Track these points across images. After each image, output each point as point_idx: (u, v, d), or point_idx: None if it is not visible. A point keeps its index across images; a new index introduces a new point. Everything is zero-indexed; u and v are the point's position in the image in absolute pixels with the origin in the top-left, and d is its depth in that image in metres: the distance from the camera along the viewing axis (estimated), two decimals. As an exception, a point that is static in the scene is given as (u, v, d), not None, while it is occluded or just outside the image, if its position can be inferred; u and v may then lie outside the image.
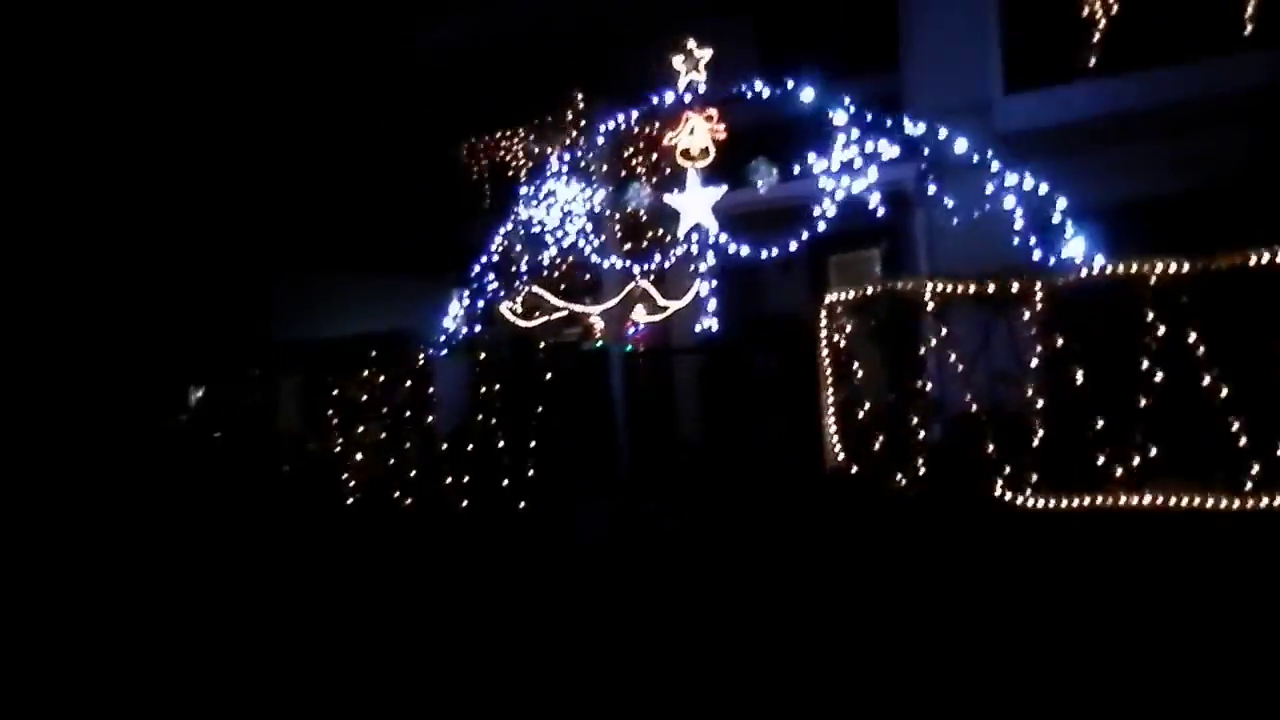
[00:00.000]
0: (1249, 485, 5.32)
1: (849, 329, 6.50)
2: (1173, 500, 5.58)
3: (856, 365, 6.46)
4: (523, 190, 9.11)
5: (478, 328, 9.15)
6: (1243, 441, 5.34)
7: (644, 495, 7.17)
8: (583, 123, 9.45)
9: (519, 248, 8.98)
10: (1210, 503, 5.45)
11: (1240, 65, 8.07)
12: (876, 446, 6.36)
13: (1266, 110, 8.01)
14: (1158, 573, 5.22)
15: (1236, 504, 5.38)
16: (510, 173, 13.35)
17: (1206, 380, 5.43)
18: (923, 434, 6.19)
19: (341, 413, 8.73)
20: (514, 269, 8.97)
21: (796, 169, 7.28)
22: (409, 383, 8.18)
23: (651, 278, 8.94)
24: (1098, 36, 8.84)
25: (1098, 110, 8.63)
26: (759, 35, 12.81)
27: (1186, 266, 5.49)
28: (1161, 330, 5.53)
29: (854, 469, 6.47)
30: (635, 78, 12.36)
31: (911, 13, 10.40)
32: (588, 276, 9.84)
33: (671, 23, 12.60)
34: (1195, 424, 5.48)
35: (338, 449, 8.71)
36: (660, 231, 8.85)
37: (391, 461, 8.25)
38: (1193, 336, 5.45)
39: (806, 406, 7.25)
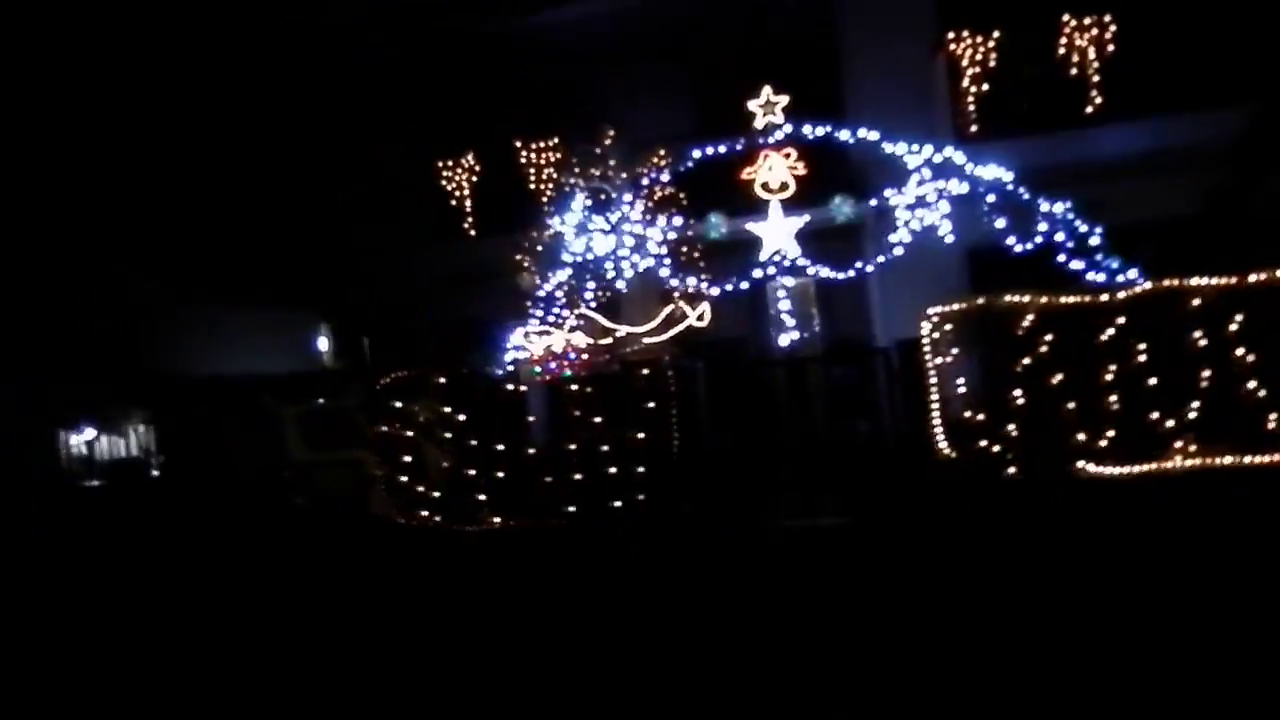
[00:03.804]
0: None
1: (949, 337, 7.70)
2: (1209, 460, 7.31)
3: (957, 368, 7.67)
4: (563, 218, 9.55)
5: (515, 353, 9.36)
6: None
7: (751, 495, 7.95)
8: (611, 158, 9.99)
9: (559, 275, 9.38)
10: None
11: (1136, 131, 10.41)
12: (977, 436, 7.61)
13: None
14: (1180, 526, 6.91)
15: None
16: (459, 201, 13.51)
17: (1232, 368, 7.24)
18: (1016, 423, 7.52)
19: (405, 438, 8.63)
20: (560, 295, 9.32)
21: (873, 201, 8.42)
22: (501, 404, 8.33)
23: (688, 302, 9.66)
24: (1029, 102, 10.89)
25: (1035, 162, 10.59)
26: (693, 81, 14.00)
27: (1223, 282, 7.27)
28: (1203, 335, 7.26)
29: (956, 456, 7.66)
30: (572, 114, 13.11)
31: (857, 69, 12.04)
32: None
33: (612, 65, 13.54)
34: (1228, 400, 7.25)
35: (404, 475, 8.60)
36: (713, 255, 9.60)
37: (479, 483, 8.34)
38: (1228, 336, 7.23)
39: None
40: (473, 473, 8.35)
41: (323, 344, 18.23)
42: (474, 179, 13.17)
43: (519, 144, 12.87)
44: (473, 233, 13.39)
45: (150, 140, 15.87)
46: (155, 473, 11.41)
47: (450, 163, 13.49)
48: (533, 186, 12.52)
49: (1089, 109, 10.44)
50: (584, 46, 13.33)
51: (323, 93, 14.39)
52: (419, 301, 14.56)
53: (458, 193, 13.62)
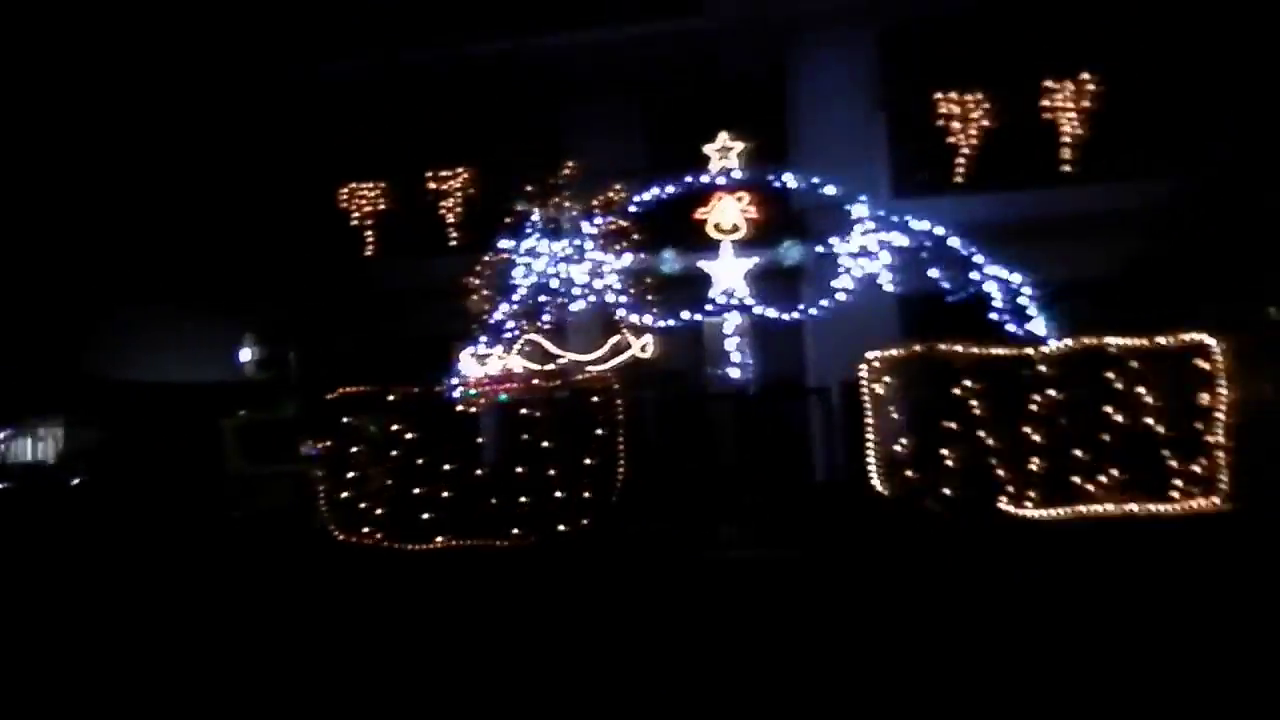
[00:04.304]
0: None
1: (886, 381, 8.12)
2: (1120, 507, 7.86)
3: (893, 410, 8.09)
4: (516, 243, 9.74)
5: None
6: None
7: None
8: (567, 188, 10.22)
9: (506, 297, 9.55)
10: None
11: (1062, 195, 11.17)
12: (908, 475, 8.03)
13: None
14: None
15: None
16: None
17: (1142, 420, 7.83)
18: (945, 465, 7.96)
19: (350, 454, 8.65)
20: (508, 319, 9.46)
21: (819, 247, 8.85)
22: (450, 424, 8.43)
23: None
24: (963, 163, 11.57)
25: (969, 219, 11.21)
26: (646, 118, 14.36)
27: (1137, 342, 7.88)
28: (1120, 384, 7.84)
29: (889, 493, 8.06)
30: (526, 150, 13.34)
31: (803, 121, 12.60)
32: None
33: (566, 100, 13.85)
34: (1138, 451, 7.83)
35: (347, 492, 8.60)
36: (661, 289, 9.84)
37: (425, 502, 8.40)
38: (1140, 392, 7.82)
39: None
40: (418, 491, 8.41)
41: (246, 355, 17.89)
42: (423, 200, 13.24)
43: (472, 168, 13.02)
44: (416, 254, 13.42)
45: (76, 142, 15.50)
46: (76, 480, 11.05)
47: (399, 182, 13.55)
48: (484, 210, 12.67)
49: (1020, 173, 11.13)
50: (542, 80, 13.61)
51: (277, 108, 14.32)
52: (357, 318, 14.50)
53: (403, 212, 13.67)
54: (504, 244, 10.04)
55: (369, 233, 13.72)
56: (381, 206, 13.60)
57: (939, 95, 11.45)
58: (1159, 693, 5.01)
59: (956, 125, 11.44)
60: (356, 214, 13.75)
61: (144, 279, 16.90)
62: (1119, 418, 7.86)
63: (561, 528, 8.15)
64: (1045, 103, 11.25)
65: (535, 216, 9.98)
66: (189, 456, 9.88)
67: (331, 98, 14.06)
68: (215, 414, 10.40)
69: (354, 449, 8.62)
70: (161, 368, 16.95)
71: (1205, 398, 7.77)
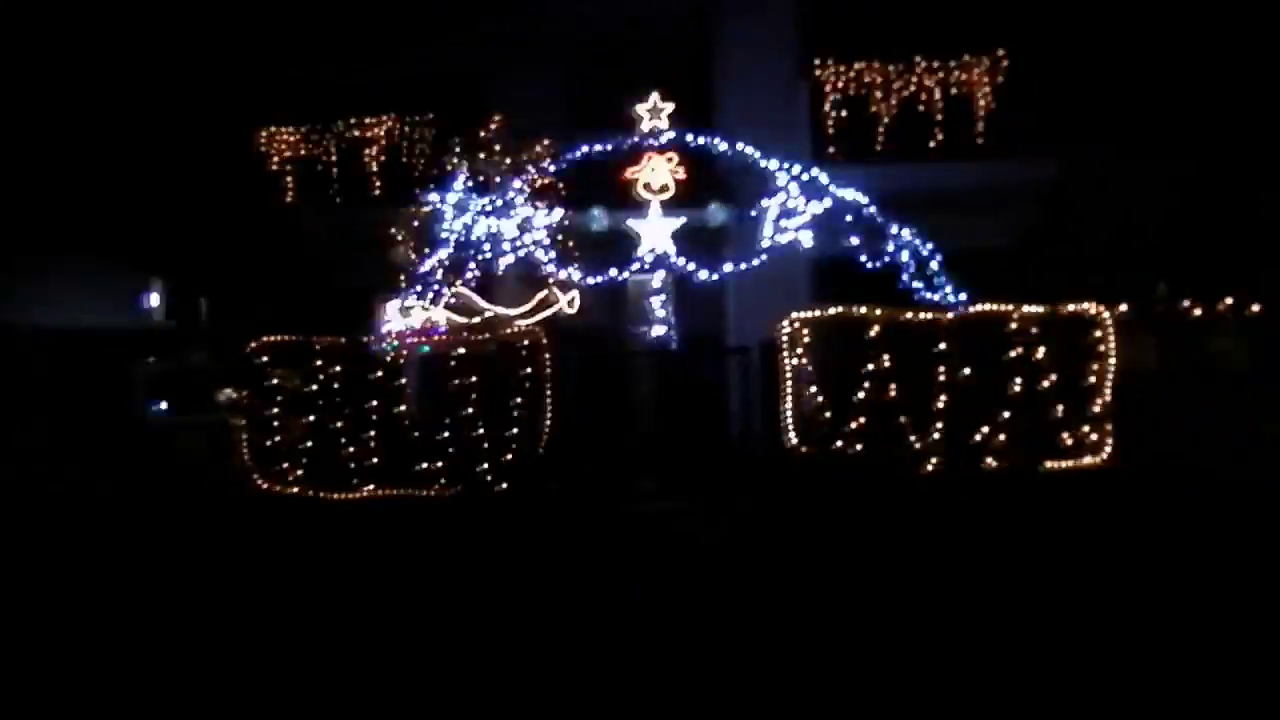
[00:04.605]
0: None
1: (804, 341, 8.45)
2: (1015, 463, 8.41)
3: (810, 369, 8.44)
4: (443, 196, 9.74)
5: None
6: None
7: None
8: (495, 143, 10.24)
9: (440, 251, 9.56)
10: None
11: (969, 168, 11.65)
12: (822, 432, 8.41)
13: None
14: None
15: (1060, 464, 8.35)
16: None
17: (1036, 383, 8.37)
18: (857, 425, 8.37)
19: (273, 404, 8.60)
20: (435, 272, 9.47)
21: (743, 210, 9.08)
22: (376, 374, 8.45)
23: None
24: (880, 133, 11.92)
25: (883, 187, 11.59)
26: (567, 76, 14.28)
27: (1034, 310, 8.38)
28: (1017, 349, 8.35)
29: (804, 449, 8.43)
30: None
31: (727, 85, 12.77)
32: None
33: (485, 64, 13.72)
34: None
35: (270, 441, 8.56)
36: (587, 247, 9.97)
37: (351, 452, 8.44)
38: (1036, 356, 8.34)
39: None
40: (344, 441, 8.44)
41: (153, 301, 17.37)
42: (345, 148, 13.00)
43: (394, 118, 12.85)
44: (337, 203, 13.21)
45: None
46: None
47: (319, 129, 13.26)
48: (409, 162, 12.54)
49: (933, 144, 11.55)
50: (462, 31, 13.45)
51: (191, 50, 13.79)
52: (275, 267, 14.21)
53: (324, 160, 13.40)
54: (430, 196, 10.05)
55: (288, 180, 13.38)
56: (302, 153, 13.26)
57: (858, 65, 11.75)
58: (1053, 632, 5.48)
59: (877, 95, 11.77)
60: (275, 160, 13.39)
61: (49, 223, 16.20)
62: (1016, 380, 8.36)
63: (486, 479, 8.31)
64: (962, 76, 11.65)
65: (462, 169, 10.01)
66: (96, 404, 9.64)
67: (250, 44, 13.62)
68: (123, 361, 10.14)
69: (277, 399, 8.58)
70: (66, 313, 16.33)
71: (1094, 364, 8.33)
